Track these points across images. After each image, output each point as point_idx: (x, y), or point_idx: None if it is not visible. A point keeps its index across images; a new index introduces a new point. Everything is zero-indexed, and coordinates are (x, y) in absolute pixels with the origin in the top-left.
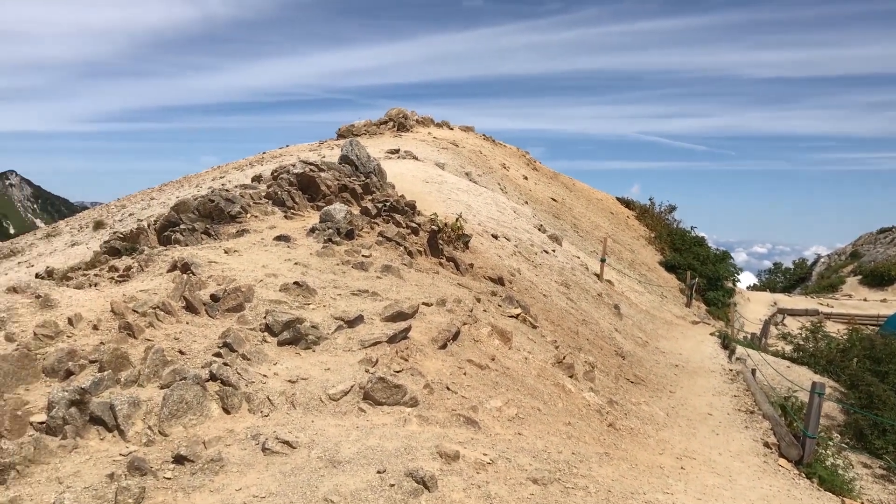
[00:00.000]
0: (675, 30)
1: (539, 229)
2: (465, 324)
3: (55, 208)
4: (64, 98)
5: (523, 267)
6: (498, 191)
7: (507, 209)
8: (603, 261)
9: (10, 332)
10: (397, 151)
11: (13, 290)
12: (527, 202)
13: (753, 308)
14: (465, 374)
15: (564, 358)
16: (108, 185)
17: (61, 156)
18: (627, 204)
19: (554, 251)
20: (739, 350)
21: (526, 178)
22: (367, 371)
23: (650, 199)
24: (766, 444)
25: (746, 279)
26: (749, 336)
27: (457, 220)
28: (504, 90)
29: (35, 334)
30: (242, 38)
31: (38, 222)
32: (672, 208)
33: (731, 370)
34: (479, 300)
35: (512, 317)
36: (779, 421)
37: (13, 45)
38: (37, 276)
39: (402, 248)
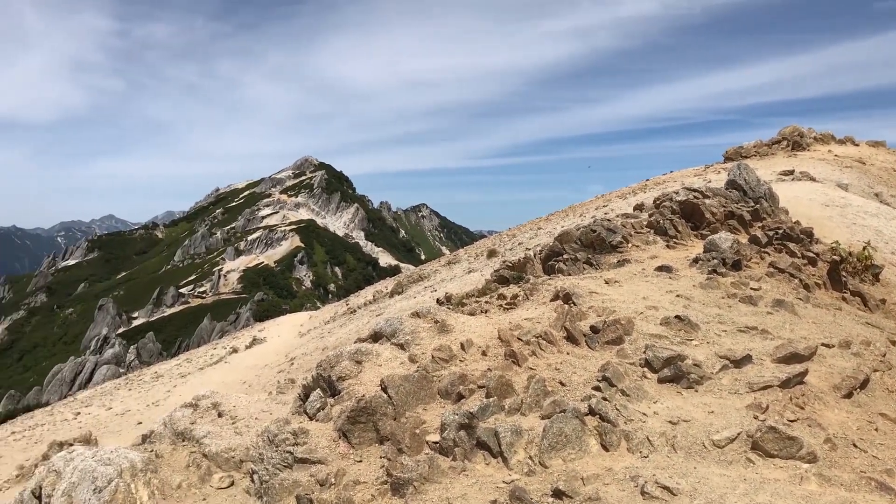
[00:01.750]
0: None
1: None
2: (875, 370)
3: (457, 237)
4: (464, 137)
5: None
6: None
7: None
8: None
9: (413, 354)
10: (791, 173)
11: (416, 314)
12: None
13: None
14: (876, 429)
15: None
16: (502, 214)
17: (462, 189)
18: None
19: None
20: None
21: None
22: (755, 418)
23: None
24: None
25: None
26: None
27: (864, 248)
28: None
29: (433, 357)
30: (628, 68)
31: (444, 249)
32: None
33: None
34: (893, 342)
35: None
36: None
37: (424, 94)
38: (437, 301)
39: (796, 281)
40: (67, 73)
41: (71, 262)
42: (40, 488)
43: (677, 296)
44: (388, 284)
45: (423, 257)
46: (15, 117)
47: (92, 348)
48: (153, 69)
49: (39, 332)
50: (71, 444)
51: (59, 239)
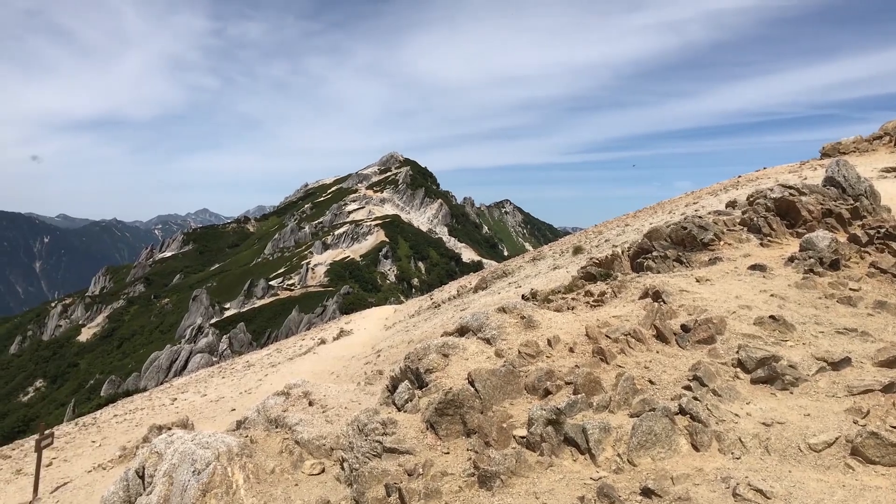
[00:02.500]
0: None
1: None
2: None
3: (541, 233)
4: (551, 132)
5: None
6: None
7: None
8: None
9: (500, 349)
10: (894, 169)
11: (502, 310)
12: None
13: None
14: None
15: None
16: (588, 211)
17: (547, 185)
18: None
19: None
20: None
21: None
22: (855, 422)
23: None
24: None
25: None
26: None
27: None
28: None
29: (519, 352)
30: (720, 62)
31: (527, 245)
32: None
33: None
34: None
35: None
36: None
37: (510, 89)
38: (523, 297)
39: None
40: (166, 71)
41: (167, 253)
42: (143, 468)
43: (771, 295)
44: (471, 280)
45: (505, 253)
46: (117, 115)
47: (187, 337)
48: (246, 67)
49: (137, 320)
50: (169, 428)
51: (156, 231)
